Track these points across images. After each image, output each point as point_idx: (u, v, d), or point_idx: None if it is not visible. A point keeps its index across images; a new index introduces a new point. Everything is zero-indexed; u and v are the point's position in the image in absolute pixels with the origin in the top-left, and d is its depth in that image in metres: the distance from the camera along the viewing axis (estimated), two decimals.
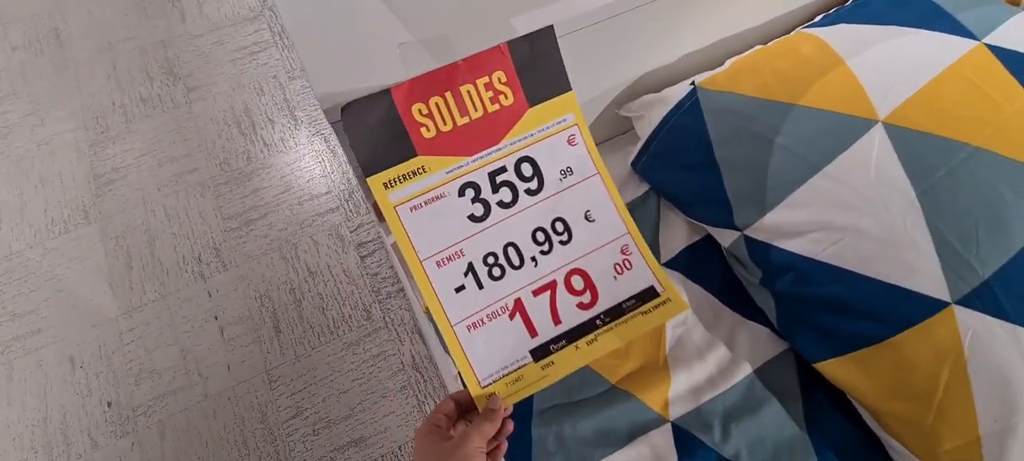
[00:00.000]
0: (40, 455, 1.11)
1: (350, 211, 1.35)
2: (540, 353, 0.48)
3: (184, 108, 1.49)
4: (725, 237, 0.59)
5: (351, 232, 1.33)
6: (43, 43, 1.58)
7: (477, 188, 0.47)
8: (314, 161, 1.41)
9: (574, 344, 0.49)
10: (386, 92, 0.45)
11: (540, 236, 0.49)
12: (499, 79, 0.48)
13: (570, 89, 0.50)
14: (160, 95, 1.51)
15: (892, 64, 0.54)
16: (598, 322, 0.50)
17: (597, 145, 0.51)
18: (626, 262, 0.51)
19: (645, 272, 0.51)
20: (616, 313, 0.50)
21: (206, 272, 1.28)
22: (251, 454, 1.11)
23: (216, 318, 1.24)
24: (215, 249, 1.31)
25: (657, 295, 0.51)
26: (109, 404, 1.16)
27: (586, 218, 0.51)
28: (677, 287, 0.59)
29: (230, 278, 1.27)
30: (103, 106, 1.49)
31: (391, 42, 0.48)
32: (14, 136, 1.45)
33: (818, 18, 0.64)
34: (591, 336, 0.49)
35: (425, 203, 0.46)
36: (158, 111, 1.48)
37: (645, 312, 0.50)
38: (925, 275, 0.48)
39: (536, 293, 0.48)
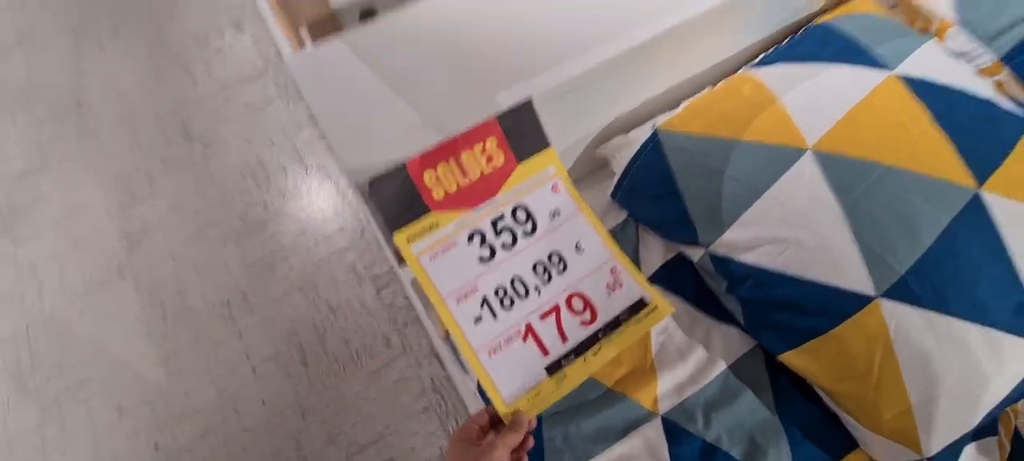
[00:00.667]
0: None
1: (363, 248, 1.46)
2: (553, 368, 0.55)
3: (201, 165, 1.60)
4: (694, 253, 0.70)
5: (365, 267, 1.43)
6: (66, 115, 1.71)
7: (482, 235, 0.57)
8: (326, 204, 1.52)
9: (582, 357, 0.56)
10: (402, 165, 0.56)
11: (540, 269, 0.58)
12: (491, 144, 0.58)
13: (550, 146, 0.61)
14: (178, 155, 1.62)
15: (817, 98, 0.64)
16: (599, 335, 0.57)
17: (580, 181, 0.62)
18: (617, 281, 0.60)
19: (634, 287, 0.60)
20: (614, 325, 0.58)
21: (235, 315, 1.39)
22: None
23: (247, 357, 1.34)
24: (242, 294, 1.41)
25: (647, 304, 0.59)
26: (156, 446, 1.25)
27: (577, 249, 0.60)
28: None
29: (257, 320, 1.38)
30: (127, 170, 1.60)
31: (403, 124, 0.59)
32: (47, 204, 1.56)
33: (760, 57, 0.75)
34: (595, 348, 0.56)
35: (441, 251, 0.56)
36: (178, 170, 1.60)
37: (638, 320, 0.59)
38: (854, 275, 0.57)
39: (543, 317, 0.57)
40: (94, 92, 1.75)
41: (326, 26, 0.72)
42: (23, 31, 1.88)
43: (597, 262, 0.60)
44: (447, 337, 0.82)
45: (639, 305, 0.59)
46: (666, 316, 0.60)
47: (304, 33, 0.73)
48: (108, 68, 1.79)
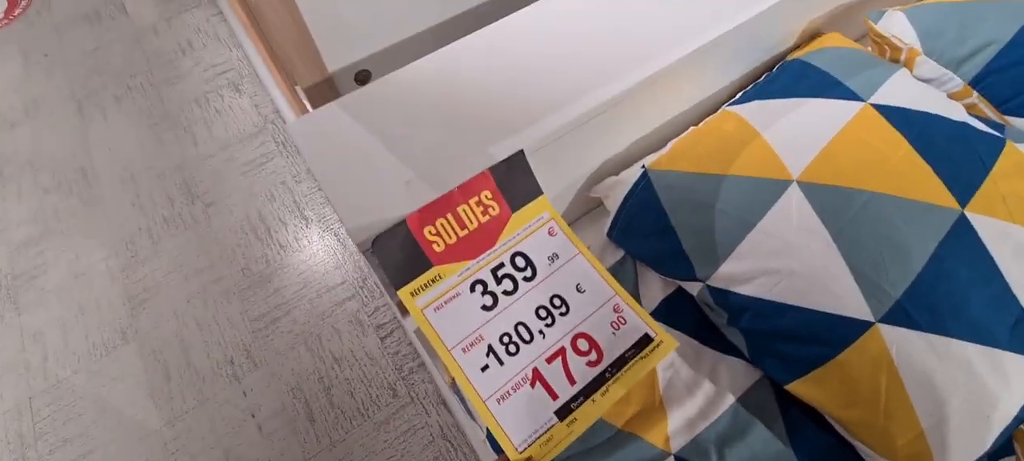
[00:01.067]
0: None
1: (365, 297, 1.47)
2: (563, 412, 0.55)
3: (204, 224, 1.62)
4: (692, 288, 0.71)
5: (368, 316, 1.44)
6: (71, 183, 1.74)
7: (484, 283, 0.58)
8: (327, 255, 1.54)
9: (590, 398, 0.56)
10: (403, 222, 0.58)
11: (542, 312, 0.59)
12: (486, 196, 0.60)
13: (542, 194, 0.63)
14: (181, 214, 1.65)
15: (798, 131, 0.67)
16: (607, 375, 0.57)
17: (576, 222, 0.63)
18: (620, 319, 0.60)
19: (638, 323, 0.60)
20: (620, 363, 0.58)
21: (239, 373, 1.38)
22: None
23: (253, 416, 1.33)
24: (246, 350, 1.41)
25: (652, 340, 0.59)
26: None
27: (577, 290, 0.61)
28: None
29: (262, 376, 1.37)
30: (130, 232, 1.63)
31: (399, 180, 0.61)
32: (51, 272, 1.57)
33: (738, 95, 0.78)
34: (603, 388, 0.56)
35: (445, 303, 0.57)
36: (180, 229, 1.62)
37: (644, 357, 0.59)
38: (850, 301, 0.58)
39: (549, 360, 0.57)
40: (98, 158, 1.79)
41: (323, 90, 0.75)
42: (29, 103, 1.94)
43: (599, 301, 0.61)
44: (454, 384, 0.82)
45: (644, 341, 0.59)
46: (671, 351, 0.60)
47: (301, 94, 0.76)
48: (111, 134, 1.84)
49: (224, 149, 1.77)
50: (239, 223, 1.61)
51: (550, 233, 0.62)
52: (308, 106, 0.76)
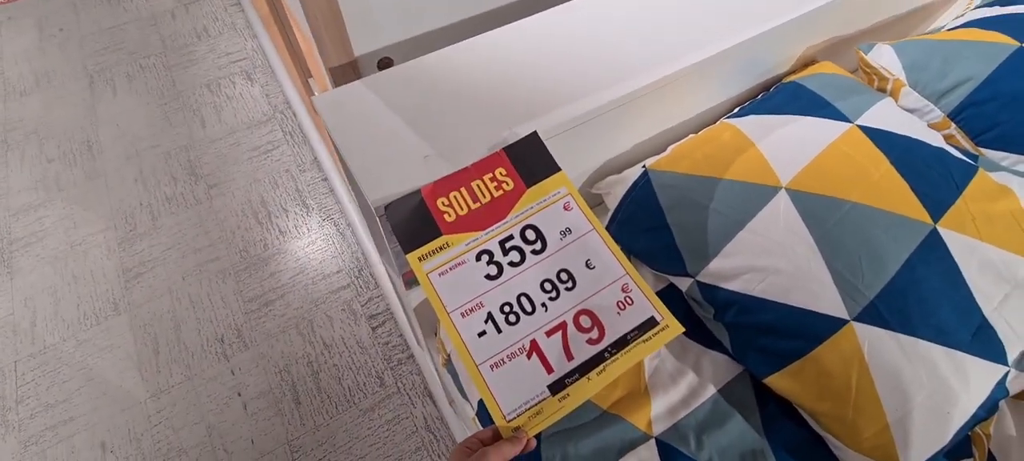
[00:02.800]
0: None
1: (360, 287, 1.49)
2: (557, 387, 0.55)
3: (205, 204, 1.65)
4: (683, 283, 0.75)
5: (362, 306, 1.46)
6: (77, 154, 1.76)
7: (490, 253, 0.60)
8: (325, 244, 1.56)
9: (586, 376, 0.55)
10: (417, 192, 0.61)
11: (548, 286, 0.59)
12: (500, 173, 0.64)
13: (560, 170, 0.64)
14: (183, 193, 1.67)
15: (789, 144, 0.72)
16: (606, 354, 0.56)
17: None
18: (627, 299, 0.59)
19: (645, 305, 0.59)
20: (622, 344, 0.57)
21: (229, 352, 1.39)
22: None
23: (239, 394, 1.33)
24: (237, 330, 1.42)
25: (657, 323, 0.58)
26: None
27: (587, 266, 0.60)
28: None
29: (251, 356, 1.38)
30: (131, 206, 1.64)
31: (418, 155, 0.65)
32: (49, 239, 1.58)
33: (736, 110, 0.84)
34: (601, 367, 0.56)
35: (450, 269, 0.60)
36: (182, 208, 1.64)
37: (647, 340, 0.57)
38: (828, 300, 0.63)
39: (549, 334, 0.58)
40: (105, 133, 1.81)
41: (347, 72, 0.79)
42: (40, 74, 1.96)
43: (608, 279, 0.60)
44: (447, 362, 0.84)
45: (649, 324, 0.58)
46: (677, 335, 0.59)
47: (326, 76, 0.80)
48: (120, 111, 1.86)
49: (231, 134, 1.80)
50: (241, 206, 1.64)
51: (566, 208, 0.63)
52: (329, 85, 0.80)
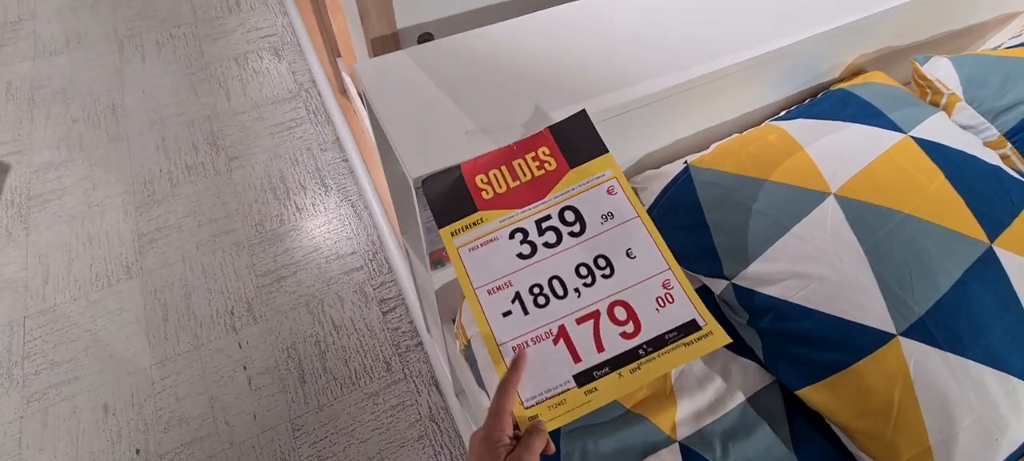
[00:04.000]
0: None
1: (374, 270, 1.47)
2: (583, 379, 0.51)
3: (225, 175, 1.64)
4: (717, 285, 0.72)
5: (374, 289, 1.44)
6: (101, 117, 1.76)
7: (525, 232, 0.57)
8: (341, 224, 1.55)
9: (618, 372, 0.51)
10: (457, 167, 0.59)
11: (583, 270, 0.55)
12: (543, 152, 0.62)
13: (607, 151, 0.61)
14: (203, 163, 1.66)
15: (839, 150, 0.70)
16: (641, 351, 0.52)
17: None
18: (668, 296, 0.54)
19: (687, 306, 0.54)
20: (659, 344, 0.52)
21: (237, 325, 1.38)
22: None
23: (245, 368, 1.32)
24: (247, 303, 1.41)
25: (699, 328, 0.53)
26: (137, 451, 1.21)
27: (628, 255, 0.56)
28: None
29: (260, 331, 1.37)
30: (151, 172, 1.64)
31: (460, 130, 0.63)
32: (68, 198, 1.58)
33: (782, 113, 0.81)
34: (634, 364, 0.51)
35: (481, 245, 0.57)
36: (201, 177, 1.63)
37: (688, 344, 0.52)
38: (874, 312, 0.60)
39: (579, 321, 0.54)
40: (130, 97, 1.81)
41: (387, 43, 0.78)
42: (71, 35, 1.97)
43: (649, 272, 0.55)
44: (467, 349, 0.82)
45: (690, 327, 0.53)
46: (722, 345, 0.53)
47: (365, 47, 0.79)
48: (147, 77, 1.86)
49: (256, 108, 1.79)
50: (260, 180, 1.63)
51: (610, 192, 0.59)
52: (366, 59, 0.79)
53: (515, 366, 0.50)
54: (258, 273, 1.46)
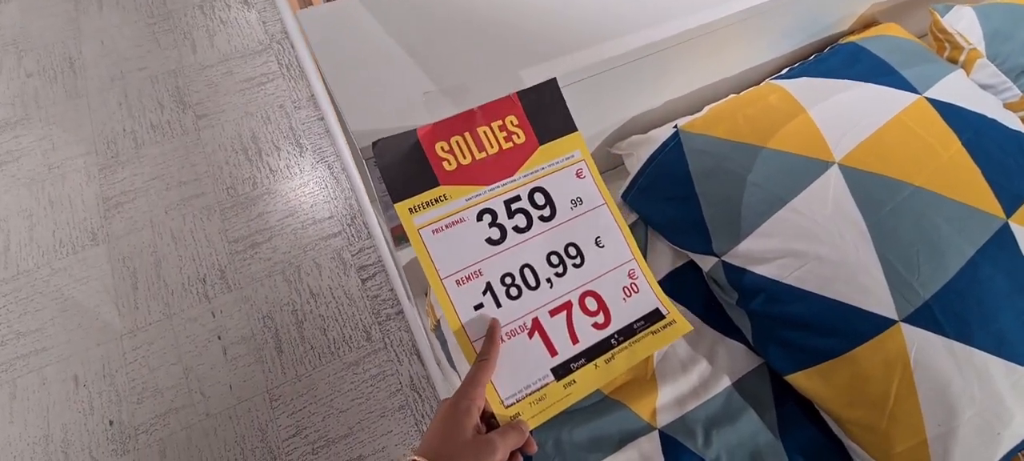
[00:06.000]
0: None
1: (352, 235, 1.41)
2: (561, 372, 0.50)
3: (193, 135, 1.55)
4: (705, 262, 0.67)
5: (353, 256, 1.38)
6: (57, 71, 1.64)
7: (494, 214, 0.52)
8: (318, 187, 1.47)
9: (593, 363, 0.51)
10: (412, 131, 0.52)
11: (554, 259, 0.53)
12: (511, 122, 0.55)
13: (576, 130, 0.56)
14: (170, 122, 1.57)
15: (846, 113, 0.62)
16: (613, 341, 0.52)
17: None
18: (633, 286, 0.54)
19: (650, 296, 0.54)
20: (628, 333, 0.52)
21: (210, 293, 1.32)
22: None
23: (219, 338, 1.27)
24: (220, 271, 1.35)
25: (663, 317, 0.54)
26: (111, 422, 1.18)
27: (596, 244, 0.54)
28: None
29: (234, 299, 1.32)
30: (114, 132, 1.54)
31: (417, 90, 0.55)
32: (25, 159, 1.49)
33: (784, 71, 0.73)
34: (608, 354, 0.51)
35: (446, 226, 0.51)
36: (167, 137, 1.54)
37: (655, 332, 0.53)
38: (876, 296, 0.55)
39: (553, 313, 0.51)
40: (88, 50, 1.69)
41: None
42: None
43: (615, 261, 0.55)
44: (437, 328, 0.77)
45: (655, 316, 0.54)
46: (684, 333, 0.54)
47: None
48: (105, 27, 1.73)
49: (224, 61, 1.68)
50: (230, 140, 1.54)
51: (578, 175, 0.56)
52: None
53: (491, 336, 0.47)
54: (231, 239, 1.40)
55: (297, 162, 1.51)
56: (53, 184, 1.45)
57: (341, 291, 1.34)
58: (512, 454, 0.46)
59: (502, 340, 0.50)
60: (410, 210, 0.52)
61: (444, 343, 0.74)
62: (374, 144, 0.51)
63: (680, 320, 0.55)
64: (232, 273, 1.35)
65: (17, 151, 1.50)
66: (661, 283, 0.71)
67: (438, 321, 0.75)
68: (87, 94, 1.60)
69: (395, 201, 0.51)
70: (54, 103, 1.58)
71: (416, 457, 0.42)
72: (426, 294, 0.83)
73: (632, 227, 0.74)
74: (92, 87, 1.62)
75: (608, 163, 0.77)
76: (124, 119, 1.56)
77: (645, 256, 0.74)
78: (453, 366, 0.74)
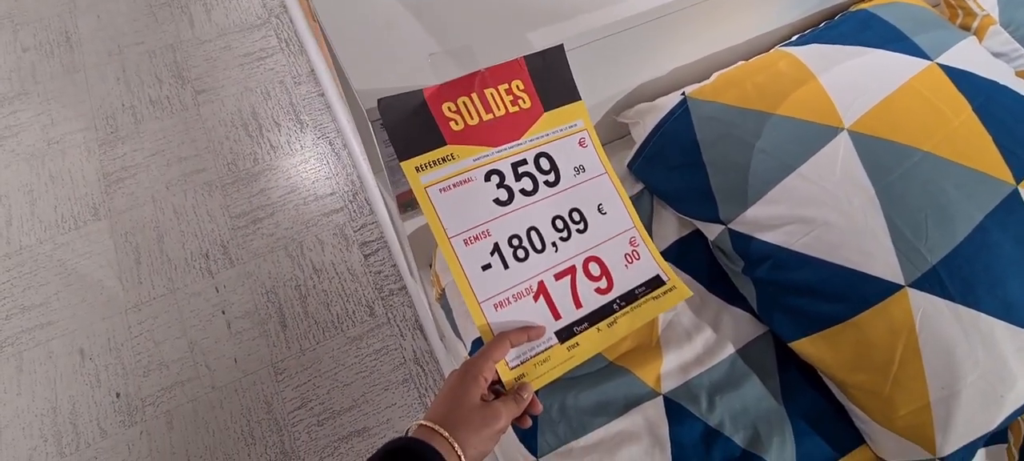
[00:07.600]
0: (49, 443, 1.13)
1: (354, 211, 1.41)
2: (565, 335, 0.51)
3: (193, 110, 1.53)
4: (711, 230, 0.66)
5: (355, 231, 1.38)
6: (54, 45, 1.62)
7: (501, 175, 0.52)
8: (319, 163, 1.47)
9: (596, 326, 0.52)
10: (419, 91, 0.51)
11: (559, 223, 0.53)
12: (517, 86, 0.54)
13: (579, 99, 0.57)
14: (169, 97, 1.55)
15: (856, 80, 0.62)
16: (615, 306, 0.53)
17: None
18: (635, 253, 0.56)
19: (651, 262, 0.56)
20: (630, 298, 0.54)
21: (214, 268, 1.33)
22: (257, 444, 1.15)
23: (223, 312, 1.28)
24: (222, 246, 1.35)
25: (663, 283, 0.56)
26: (118, 395, 1.19)
27: (599, 211, 0.56)
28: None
29: (237, 274, 1.32)
30: (113, 107, 1.53)
31: (422, 52, 0.54)
32: (25, 134, 1.48)
33: (794, 37, 0.72)
34: (611, 319, 0.53)
35: (453, 185, 0.51)
36: (167, 113, 1.53)
37: (656, 297, 0.55)
38: (882, 261, 0.55)
39: (557, 277, 0.52)
40: (85, 24, 1.66)
41: None
42: None
43: (618, 229, 0.56)
44: (442, 298, 0.77)
45: (655, 282, 0.56)
46: (684, 299, 0.56)
47: None
48: (101, 1, 1.71)
49: (222, 36, 1.66)
50: (230, 116, 1.53)
51: (581, 144, 0.57)
52: None
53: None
54: (233, 214, 1.39)
55: (298, 138, 1.50)
56: (53, 159, 1.45)
57: (344, 267, 1.34)
58: (520, 417, 0.47)
59: (508, 302, 0.51)
60: (417, 169, 0.51)
61: (449, 312, 0.75)
62: (379, 101, 0.51)
63: (680, 286, 0.56)
64: (235, 248, 1.35)
65: (16, 126, 1.49)
66: (666, 252, 0.72)
67: (443, 291, 0.75)
68: (85, 69, 1.59)
69: (401, 159, 0.51)
70: (52, 78, 1.57)
71: (424, 422, 0.43)
72: (430, 265, 0.83)
73: (638, 196, 0.74)
74: (89, 62, 1.60)
75: (614, 132, 0.76)
76: (123, 94, 1.55)
77: (650, 225, 0.74)
78: (458, 335, 0.74)
